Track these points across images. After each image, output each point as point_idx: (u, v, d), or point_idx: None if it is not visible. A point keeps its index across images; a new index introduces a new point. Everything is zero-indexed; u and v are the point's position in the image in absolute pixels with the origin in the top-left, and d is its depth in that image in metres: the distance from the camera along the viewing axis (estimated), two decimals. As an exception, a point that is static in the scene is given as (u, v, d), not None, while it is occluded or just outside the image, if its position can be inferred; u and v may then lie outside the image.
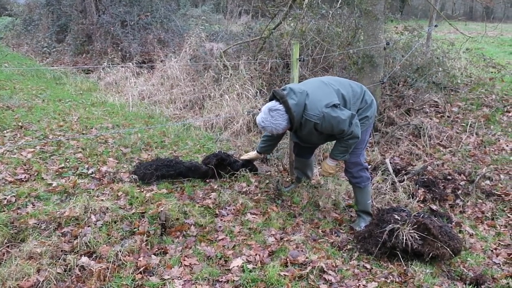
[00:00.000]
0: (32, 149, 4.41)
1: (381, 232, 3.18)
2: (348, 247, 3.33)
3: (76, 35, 11.47)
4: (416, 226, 3.15)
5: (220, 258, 2.95)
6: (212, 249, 3.03)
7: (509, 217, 4.19)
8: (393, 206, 3.93)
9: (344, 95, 3.36)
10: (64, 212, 3.16)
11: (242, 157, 4.23)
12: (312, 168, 4.34)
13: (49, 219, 3.09)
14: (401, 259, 3.12)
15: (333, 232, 3.57)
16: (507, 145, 5.66)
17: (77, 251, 2.81)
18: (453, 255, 3.15)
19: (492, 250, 3.57)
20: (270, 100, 3.43)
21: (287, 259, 2.98)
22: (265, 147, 4.00)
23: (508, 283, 3.04)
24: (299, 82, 4.02)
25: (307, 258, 3.03)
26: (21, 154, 4.25)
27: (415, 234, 3.10)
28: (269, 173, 4.51)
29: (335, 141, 3.52)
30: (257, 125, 3.41)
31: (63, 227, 3.04)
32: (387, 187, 4.41)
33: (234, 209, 3.65)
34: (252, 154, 4.19)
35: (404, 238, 3.09)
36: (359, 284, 2.81)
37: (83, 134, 5.17)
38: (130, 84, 8.32)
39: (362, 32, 6.22)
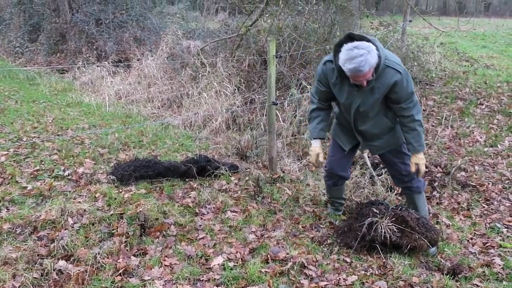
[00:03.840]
0: (6, 152, 4.31)
1: (360, 226, 3.21)
2: (328, 241, 3.35)
3: (49, 34, 11.22)
4: (394, 218, 3.19)
5: (201, 257, 2.94)
6: (192, 248, 3.02)
7: (483, 207, 4.28)
8: (372, 199, 3.97)
9: None
10: (40, 215, 3.10)
11: (320, 160, 3.43)
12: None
13: (25, 223, 3.03)
14: (380, 251, 3.16)
15: (313, 227, 3.59)
16: (481, 137, 5.79)
17: (54, 255, 2.76)
18: (431, 246, 3.21)
19: (468, 240, 3.64)
20: (339, 45, 2.89)
21: (268, 256, 2.99)
22: (323, 127, 3.38)
23: (484, 272, 3.11)
24: (277, 79, 4.03)
25: (287, 254, 3.04)
26: (-6, 158, 4.15)
27: (393, 226, 3.15)
28: (248, 170, 4.51)
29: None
30: (346, 68, 2.81)
31: (39, 231, 2.98)
32: (365, 181, 4.45)
33: (214, 208, 3.65)
34: (318, 147, 3.41)
35: (383, 231, 3.13)
36: (340, 278, 2.83)
37: (58, 135, 5.08)
38: (106, 83, 8.18)
39: (338, 28, 6.28)
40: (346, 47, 2.81)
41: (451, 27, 12.02)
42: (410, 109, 3.05)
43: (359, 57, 2.73)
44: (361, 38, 2.85)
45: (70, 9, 10.94)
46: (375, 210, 3.30)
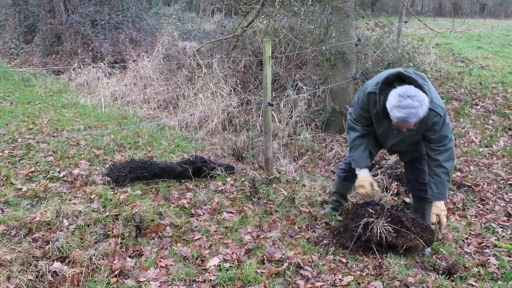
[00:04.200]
0: (0, 154, 4.29)
1: (356, 226, 3.22)
2: (324, 242, 3.36)
3: (45, 35, 11.18)
4: (389, 219, 3.20)
5: (197, 258, 2.93)
6: (188, 249, 3.01)
7: (479, 207, 4.30)
8: (367, 200, 3.98)
9: None
10: (35, 217, 3.09)
11: (375, 189, 3.29)
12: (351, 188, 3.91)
13: (19, 224, 3.02)
14: (376, 252, 3.16)
15: (309, 228, 3.60)
16: (476, 137, 5.82)
17: (49, 256, 2.75)
18: (426, 246, 3.22)
19: (463, 240, 3.66)
20: (387, 84, 2.79)
21: (264, 257, 2.99)
22: (368, 155, 3.28)
23: (479, 271, 3.12)
24: (273, 80, 4.02)
25: (283, 254, 3.04)
26: (-11, 159, 4.13)
27: (389, 227, 3.15)
28: (244, 171, 4.51)
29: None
30: (393, 114, 2.72)
31: (34, 233, 2.97)
32: (361, 181, 4.45)
33: (210, 208, 3.64)
34: (369, 176, 3.28)
35: (379, 231, 3.14)
36: (335, 278, 2.84)
37: (53, 136, 5.06)
38: (102, 84, 8.17)
39: (334, 29, 6.29)
40: (400, 91, 2.68)
41: (447, 28, 12.05)
42: (439, 153, 2.97)
43: (411, 108, 2.64)
44: (411, 81, 2.71)
45: (65, 10, 10.90)
46: (370, 210, 3.31)
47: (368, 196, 3.30)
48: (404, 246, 3.14)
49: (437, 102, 2.86)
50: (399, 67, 6.75)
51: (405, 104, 2.64)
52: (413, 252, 3.23)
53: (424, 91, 2.69)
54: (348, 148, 3.25)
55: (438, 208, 3.10)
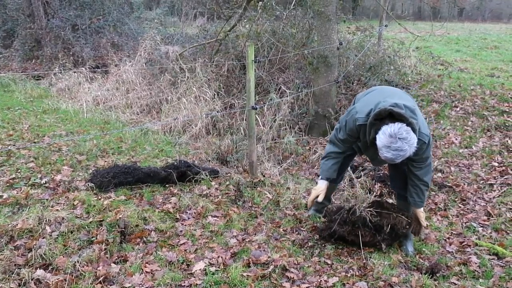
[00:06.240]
0: (-20, 161, 4.21)
1: (340, 213, 3.35)
2: (309, 244, 3.38)
3: (24, 40, 11.02)
4: (370, 204, 3.42)
5: (182, 263, 2.93)
6: (173, 254, 3.00)
7: (460, 207, 4.38)
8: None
9: None
10: (17, 224, 3.04)
11: (317, 200, 3.34)
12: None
13: (0, 232, 2.97)
14: (361, 238, 3.24)
15: (294, 230, 3.62)
16: (456, 139, 5.92)
17: (32, 264, 2.71)
18: (409, 223, 3.30)
19: (445, 240, 3.72)
20: (378, 119, 2.79)
21: (250, 260, 3.00)
22: (336, 169, 3.34)
23: (461, 270, 3.18)
24: (256, 84, 4.05)
25: (269, 257, 3.05)
26: (-32, 166, 4.05)
27: (371, 210, 3.30)
28: (229, 174, 4.51)
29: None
30: (381, 152, 2.74)
31: (16, 240, 2.92)
32: (345, 183, 4.51)
33: (195, 213, 3.63)
34: (324, 189, 3.33)
35: (362, 214, 3.26)
36: (321, 280, 2.86)
37: (34, 142, 4.99)
38: (83, 89, 8.08)
39: (315, 33, 6.35)
40: (391, 131, 2.66)
41: (426, 31, 12.26)
42: (419, 169, 3.08)
43: (400, 151, 2.66)
44: (402, 119, 2.70)
45: (45, 14, 10.75)
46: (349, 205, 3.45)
47: (309, 202, 3.39)
48: (389, 225, 3.24)
49: (424, 131, 2.89)
50: (381, 70, 6.86)
51: (395, 146, 2.65)
52: (398, 229, 3.27)
53: (413, 128, 2.69)
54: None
55: (422, 214, 3.34)
